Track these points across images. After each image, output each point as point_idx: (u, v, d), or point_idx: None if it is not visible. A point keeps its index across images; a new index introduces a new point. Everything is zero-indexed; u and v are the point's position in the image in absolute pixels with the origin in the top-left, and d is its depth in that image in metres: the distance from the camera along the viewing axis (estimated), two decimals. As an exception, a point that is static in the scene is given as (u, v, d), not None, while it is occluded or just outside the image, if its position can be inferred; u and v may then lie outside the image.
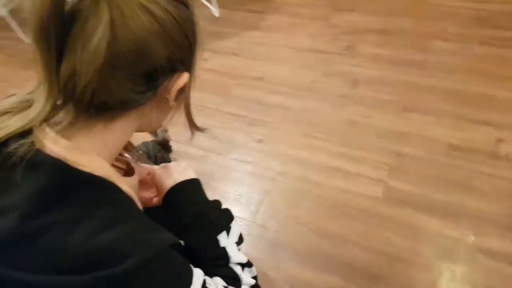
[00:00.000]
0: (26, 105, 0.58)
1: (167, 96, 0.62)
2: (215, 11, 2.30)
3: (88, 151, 0.58)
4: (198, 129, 0.75)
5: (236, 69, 1.98)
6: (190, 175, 0.82)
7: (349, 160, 1.49)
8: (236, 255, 0.76)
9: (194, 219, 0.77)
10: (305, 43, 2.01)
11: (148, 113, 0.63)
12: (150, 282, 0.56)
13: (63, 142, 0.56)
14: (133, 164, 0.84)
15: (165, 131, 1.34)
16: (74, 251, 0.51)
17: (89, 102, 0.55)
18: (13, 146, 0.53)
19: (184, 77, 0.62)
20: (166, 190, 0.80)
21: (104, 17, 0.49)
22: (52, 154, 0.54)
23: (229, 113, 1.80)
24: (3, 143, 0.54)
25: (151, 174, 0.87)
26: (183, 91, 0.65)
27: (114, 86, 0.54)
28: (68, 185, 0.54)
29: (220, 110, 1.82)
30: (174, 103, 0.64)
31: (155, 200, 0.91)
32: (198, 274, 0.64)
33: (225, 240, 0.77)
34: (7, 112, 0.58)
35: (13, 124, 0.55)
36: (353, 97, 1.72)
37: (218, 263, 0.75)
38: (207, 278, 0.66)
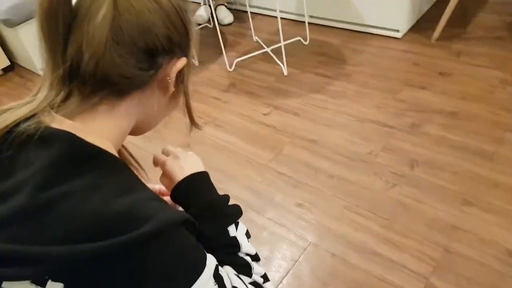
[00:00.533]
0: (34, 98, 0.62)
1: (167, 79, 0.65)
2: (284, 69, 2.34)
3: (93, 132, 0.60)
4: (195, 124, 0.80)
5: (293, 128, 1.96)
6: (200, 167, 0.83)
7: (393, 246, 1.37)
8: (246, 246, 0.76)
9: (204, 209, 0.77)
10: (368, 113, 1.95)
11: (150, 97, 0.66)
12: (165, 252, 0.56)
13: (69, 122, 0.59)
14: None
15: None
16: (88, 219, 0.52)
17: (93, 77, 0.58)
18: (22, 126, 0.56)
19: (182, 61, 0.66)
20: (177, 182, 0.80)
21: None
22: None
23: (276, 170, 1.76)
24: (14, 127, 0.57)
25: (161, 164, 0.86)
26: (182, 79, 0.69)
27: (118, 59, 0.57)
28: (79, 156, 0.56)
29: (268, 166, 1.79)
30: (174, 88, 0.67)
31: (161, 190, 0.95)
32: (211, 259, 0.63)
33: (235, 232, 0.77)
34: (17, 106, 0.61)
35: (22, 110, 0.59)
36: (409, 177, 1.60)
37: (228, 250, 0.74)
38: (219, 266, 0.65)
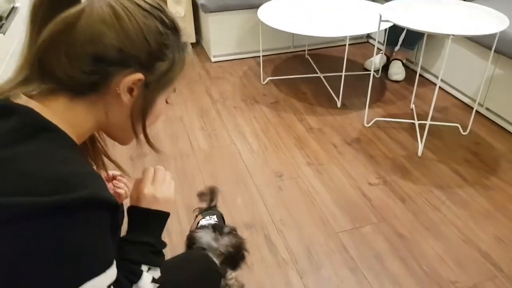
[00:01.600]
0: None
1: (117, 88, 0.68)
2: (420, 149, 2.09)
3: (51, 113, 0.66)
4: (151, 145, 0.81)
5: (389, 212, 1.74)
6: (168, 206, 0.86)
7: None
8: (146, 283, 0.78)
9: (138, 240, 0.81)
10: (482, 240, 1.61)
11: (109, 104, 0.71)
12: (81, 229, 0.60)
13: (32, 101, 0.65)
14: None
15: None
16: (37, 176, 0.58)
17: (42, 68, 0.65)
18: None
19: (135, 76, 0.68)
20: (141, 205, 0.83)
21: (80, 6, 0.64)
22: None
23: (342, 244, 1.60)
24: None
25: (143, 178, 0.89)
26: (137, 94, 0.71)
27: (63, 57, 0.64)
28: (34, 127, 0.63)
29: (338, 235, 1.64)
30: (126, 97, 0.70)
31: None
32: (114, 270, 0.66)
33: (146, 270, 0.79)
34: None
35: None
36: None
37: (127, 275, 0.75)
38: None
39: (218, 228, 1.20)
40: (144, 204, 0.82)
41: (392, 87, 2.76)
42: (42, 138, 0.63)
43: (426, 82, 2.78)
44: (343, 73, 2.46)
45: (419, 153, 2.09)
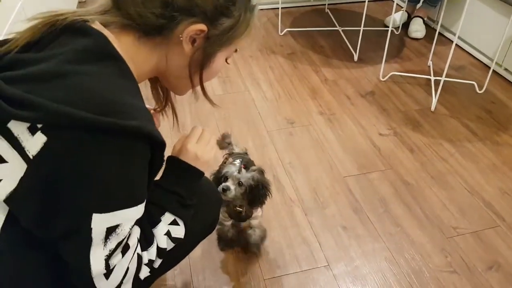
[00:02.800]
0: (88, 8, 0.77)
1: (180, 36, 0.73)
2: (433, 104, 2.09)
3: (119, 46, 0.71)
4: (207, 98, 0.88)
5: (397, 161, 1.77)
6: (204, 166, 0.89)
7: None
8: (160, 233, 0.80)
9: (170, 189, 0.84)
10: (487, 191, 1.63)
11: (171, 50, 0.76)
12: (132, 157, 0.66)
13: (105, 30, 0.71)
14: (152, 112, 0.96)
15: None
16: (92, 94, 0.63)
17: (118, 3, 0.72)
18: (70, 18, 0.70)
19: (198, 26, 0.72)
20: (181, 158, 0.88)
21: None
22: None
23: (348, 187, 1.65)
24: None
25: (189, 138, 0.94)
26: (199, 45, 0.75)
27: None
28: (103, 52, 0.68)
29: (344, 179, 1.68)
30: (188, 47, 0.75)
31: None
32: (142, 207, 0.72)
33: (167, 222, 0.82)
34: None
35: (74, 11, 0.73)
36: (477, 278, 1.32)
37: (148, 215, 0.78)
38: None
39: (245, 162, 1.23)
40: (184, 158, 0.86)
41: (411, 44, 2.72)
42: (107, 64, 0.67)
43: (445, 41, 2.73)
44: (362, 28, 2.43)
45: (432, 107, 2.09)
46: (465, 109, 2.11)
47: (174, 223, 0.82)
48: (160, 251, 0.80)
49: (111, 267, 0.70)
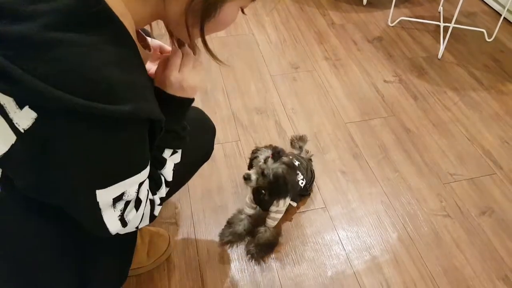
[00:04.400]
0: None
1: None
2: (440, 52, 2.05)
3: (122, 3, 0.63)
4: (209, 52, 0.76)
5: (400, 108, 1.77)
6: (192, 94, 0.83)
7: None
8: (168, 171, 0.83)
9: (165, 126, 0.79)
10: (487, 139, 1.65)
11: None
12: (129, 139, 0.64)
13: None
14: (150, 42, 0.88)
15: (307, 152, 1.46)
16: (79, 73, 0.56)
17: None
18: None
19: None
20: (166, 83, 0.80)
21: None
22: None
23: (349, 133, 1.66)
24: None
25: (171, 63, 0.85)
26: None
27: None
28: (97, 14, 0.58)
29: (346, 125, 1.69)
30: None
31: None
32: (147, 171, 0.72)
33: (168, 155, 0.83)
34: None
35: None
36: (469, 222, 1.36)
37: (154, 163, 0.79)
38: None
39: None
40: (170, 91, 0.79)
41: (422, -12, 2.63)
42: (98, 30, 0.59)
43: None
44: (373, -31, 2.34)
45: (439, 55, 2.05)
46: (473, 58, 2.07)
47: (173, 153, 0.84)
48: (168, 184, 0.84)
49: (127, 222, 0.72)
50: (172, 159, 0.84)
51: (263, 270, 1.23)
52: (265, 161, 1.14)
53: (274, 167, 1.13)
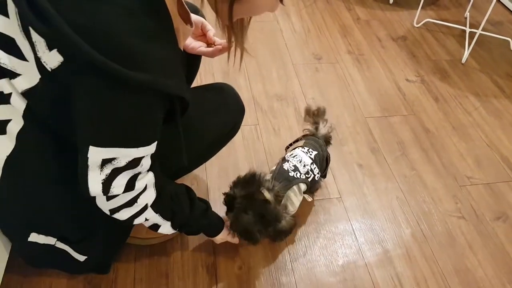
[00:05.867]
0: None
1: None
2: (465, 57, 2.03)
3: None
4: (237, 37, 0.77)
5: (421, 108, 1.76)
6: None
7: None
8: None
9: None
10: (506, 147, 1.64)
11: None
12: (137, 107, 0.65)
13: None
14: (193, 19, 0.90)
15: (329, 126, 1.36)
16: (110, 34, 0.59)
17: None
18: None
19: None
20: None
21: None
22: None
23: (368, 127, 1.65)
24: None
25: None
26: None
27: None
28: None
29: (366, 119, 1.68)
30: None
31: (200, 49, 1.04)
32: (147, 149, 0.72)
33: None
34: None
35: None
36: (483, 228, 1.36)
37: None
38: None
39: (293, 179, 1.14)
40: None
41: (450, -7, 2.61)
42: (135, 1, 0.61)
43: (487, -6, 2.62)
44: (402, -32, 2.32)
45: (463, 60, 2.04)
46: (496, 65, 2.06)
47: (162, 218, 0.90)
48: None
49: (110, 190, 0.73)
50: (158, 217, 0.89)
51: (274, 252, 1.23)
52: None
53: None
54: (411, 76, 1.93)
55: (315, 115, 1.35)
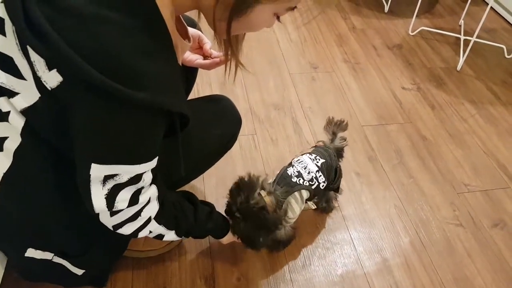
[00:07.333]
0: None
1: None
2: (460, 64, 2.05)
3: None
4: (234, 53, 0.79)
5: (417, 116, 1.77)
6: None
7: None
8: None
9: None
10: (503, 154, 1.64)
11: None
12: (138, 125, 0.66)
13: None
14: (190, 33, 0.90)
15: (344, 139, 1.35)
16: (111, 54, 0.59)
17: None
18: None
19: None
20: None
21: None
22: None
23: (365, 135, 1.66)
24: None
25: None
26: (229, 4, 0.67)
27: None
28: (138, 1, 0.62)
29: (362, 127, 1.68)
30: None
31: (198, 62, 1.06)
32: (148, 165, 0.73)
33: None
34: None
35: None
36: (481, 234, 1.36)
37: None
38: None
39: (295, 185, 1.12)
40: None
41: (444, 1, 2.62)
42: (134, 14, 0.61)
43: (480, 2, 2.64)
44: (397, -23, 2.35)
45: (459, 67, 2.05)
46: (491, 72, 2.07)
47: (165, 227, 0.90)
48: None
49: (114, 209, 0.74)
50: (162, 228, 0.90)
51: (273, 263, 1.22)
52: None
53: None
54: (407, 84, 1.94)
55: (335, 125, 1.36)
